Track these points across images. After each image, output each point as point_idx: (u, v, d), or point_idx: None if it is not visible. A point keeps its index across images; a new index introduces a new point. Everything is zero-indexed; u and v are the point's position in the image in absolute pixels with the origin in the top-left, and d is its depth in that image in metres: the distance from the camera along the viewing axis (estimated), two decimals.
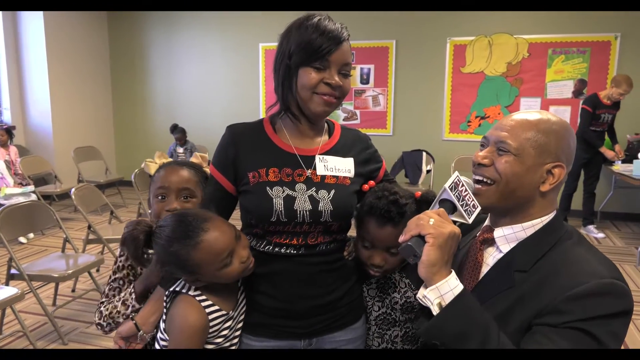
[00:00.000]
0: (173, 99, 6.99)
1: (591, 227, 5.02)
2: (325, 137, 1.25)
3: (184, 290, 1.12)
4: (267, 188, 1.14)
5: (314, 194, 1.16)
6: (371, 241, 1.23)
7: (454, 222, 0.97)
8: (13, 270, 2.85)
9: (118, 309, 1.21)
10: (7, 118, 6.22)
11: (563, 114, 5.35)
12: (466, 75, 5.76)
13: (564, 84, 5.47)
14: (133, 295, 1.21)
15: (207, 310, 1.11)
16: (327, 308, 1.21)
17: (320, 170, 1.19)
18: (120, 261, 1.32)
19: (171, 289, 1.13)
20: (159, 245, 1.07)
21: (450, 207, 0.99)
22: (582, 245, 0.99)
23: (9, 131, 5.38)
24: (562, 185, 1.03)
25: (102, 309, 1.24)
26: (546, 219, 1.02)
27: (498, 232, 1.04)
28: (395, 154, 5.56)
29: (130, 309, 1.20)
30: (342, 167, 1.22)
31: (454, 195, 0.98)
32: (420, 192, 1.27)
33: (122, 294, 1.24)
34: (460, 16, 5.64)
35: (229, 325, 1.16)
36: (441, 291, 0.90)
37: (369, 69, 6.07)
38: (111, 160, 7.24)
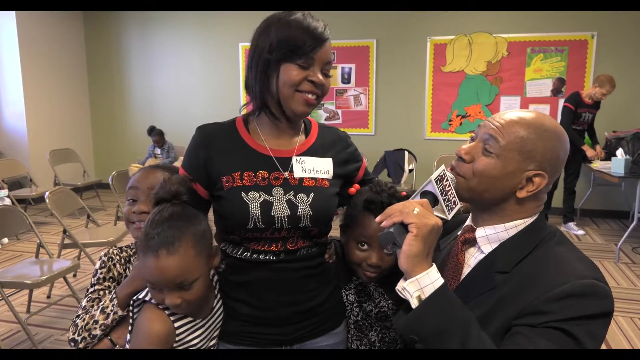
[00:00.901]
0: (151, 99, 6.88)
1: (571, 225, 5.07)
2: (302, 137, 1.20)
3: (147, 298, 1.06)
4: (242, 193, 1.09)
5: (292, 198, 1.11)
6: (369, 239, 1.19)
7: None
8: None
9: (95, 319, 1.12)
10: None
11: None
12: (447, 74, 5.78)
13: (543, 83, 5.53)
14: (114, 302, 1.13)
15: (172, 317, 1.05)
16: (308, 314, 1.17)
17: (298, 172, 1.14)
18: (101, 273, 1.22)
19: (136, 297, 1.08)
20: (143, 230, 1.00)
21: (431, 200, 0.97)
22: (563, 244, 0.97)
23: None
24: (544, 193, 0.99)
25: (78, 321, 1.15)
26: (529, 220, 0.99)
27: (480, 232, 1.01)
28: (378, 154, 5.55)
29: (110, 317, 1.12)
30: (321, 168, 1.17)
31: (438, 188, 0.96)
32: (405, 192, 1.25)
33: (102, 302, 1.15)
34: (440, 15, 5.66)
35: (200, 334, 1.10)
36: (421, 284, 0.87)
37: (350, 69, 6.05)
38: (89, 162, 7.09)
